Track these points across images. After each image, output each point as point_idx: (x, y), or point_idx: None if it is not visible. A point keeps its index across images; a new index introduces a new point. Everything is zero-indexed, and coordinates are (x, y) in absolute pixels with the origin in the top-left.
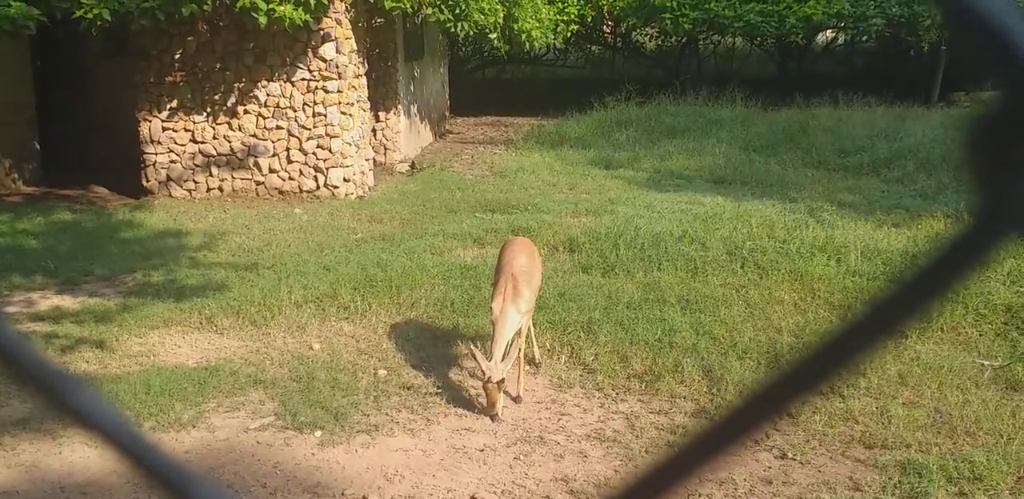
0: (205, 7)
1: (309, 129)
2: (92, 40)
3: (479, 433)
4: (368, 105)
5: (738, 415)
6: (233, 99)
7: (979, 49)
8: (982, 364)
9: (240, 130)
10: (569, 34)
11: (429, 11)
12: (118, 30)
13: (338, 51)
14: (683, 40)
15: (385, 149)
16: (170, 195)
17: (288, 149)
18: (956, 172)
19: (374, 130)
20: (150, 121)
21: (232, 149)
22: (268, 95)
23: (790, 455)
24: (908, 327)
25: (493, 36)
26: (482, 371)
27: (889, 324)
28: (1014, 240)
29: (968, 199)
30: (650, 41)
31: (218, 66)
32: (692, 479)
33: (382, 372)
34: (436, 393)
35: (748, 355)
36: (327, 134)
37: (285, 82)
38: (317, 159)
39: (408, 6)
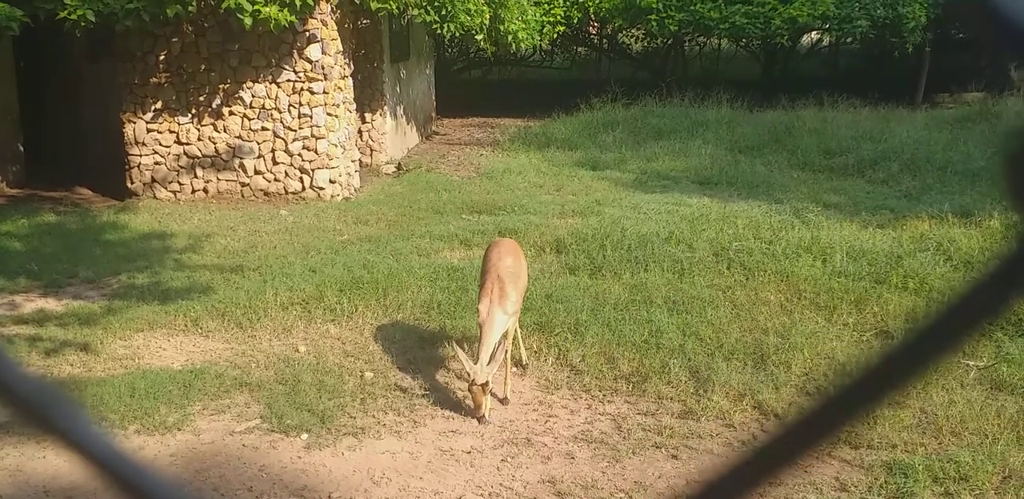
0: (190, 8)
1: (295, 130)
2: (76, 41)
3: (466, 435)
4: (354, 106)
5: (782, 441)
6: (218, 100)
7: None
8: (967, 364)
9: (225, 131)
10: (555, 35)
11: (415, 12)
12: (102, 31)
13: (324, 52)
14: (669, 42)
15: (371, 150)
16: (155, 197)
17: (273, 150)
18: (999, 193)
19: (360, 131)
20: (135, 122)
21: (217, 150)
22: (253, 96)
23: None
24: (959, 350)
25: (479, 37)
26: (467, 373)
27: (940, 347)
28: None
29: (1013, 220)
30: (636, 42)
31: (203, 67)
32: None
33: (368, 374)
34: (423, 395)
35: (735, 356)
36: (313, 135)
37: (270, 83)
38: (303, 160)
39: (394, 7)
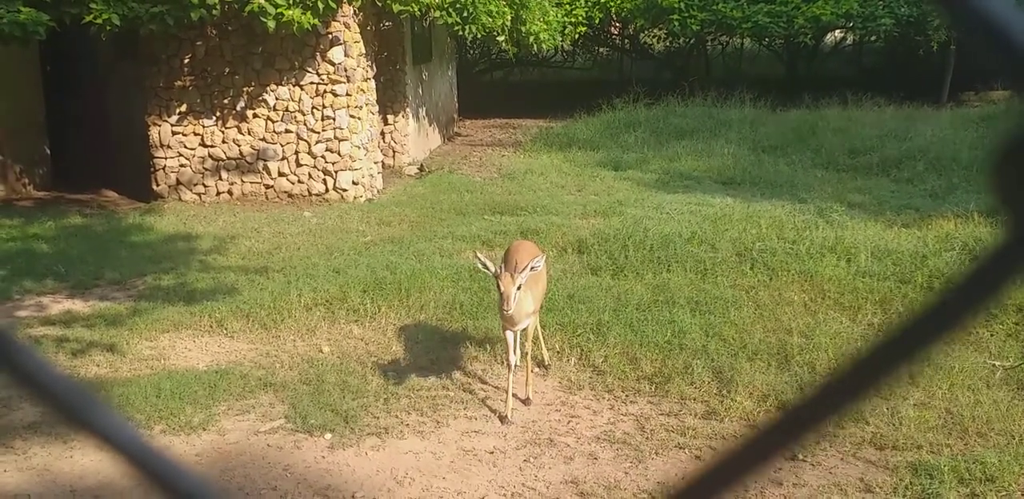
0: (214, 12)
1: (318, 132)
2: (102, 45)
3: (489, 435)
4: (376, 108)
5: (781, 425)
6: (242, 103)
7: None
8: (993, 365)
9: (249, 134)
10: (577, 36)
11: (437, 14)
12: (127, 35)
13: (346, 55)
14: (691, 41)
15: (394, 152)
16: (180, 199)
17: (297, 152)
18: (986, 192)
19: (383, 133)
20: (160, 125)
21: (241, 153)
22: (277, 99)
23: (800, 456)
24: (945, 343)
25: (501, 38)
26: (495, 277)
27: (927, 338)
28: None
29: (1000, 217)
30: (658, 42)
31: (227, 70)
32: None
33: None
34: (446, 395)
35: (758, 356)
36: (336, 137)
37: (294, 86)
38: (326, 162)
39: (416, 9)
